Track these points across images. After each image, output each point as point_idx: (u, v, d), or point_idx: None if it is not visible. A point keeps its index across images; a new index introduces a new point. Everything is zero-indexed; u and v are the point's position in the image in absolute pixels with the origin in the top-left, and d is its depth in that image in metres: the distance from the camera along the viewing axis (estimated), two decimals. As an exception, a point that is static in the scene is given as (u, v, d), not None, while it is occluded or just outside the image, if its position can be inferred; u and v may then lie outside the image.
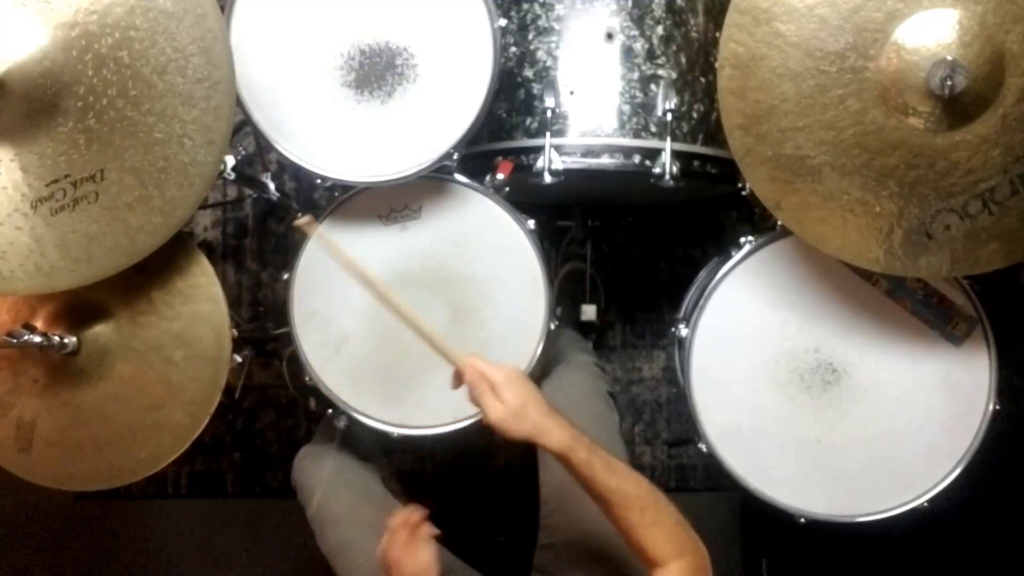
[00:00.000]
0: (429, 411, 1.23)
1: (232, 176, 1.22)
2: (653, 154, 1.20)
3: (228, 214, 1.96)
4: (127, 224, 1.04)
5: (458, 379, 0.98)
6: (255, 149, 1.64)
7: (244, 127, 1.51)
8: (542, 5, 1.23)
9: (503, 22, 1.15)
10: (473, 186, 1.22)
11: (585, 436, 0.93)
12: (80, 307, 1.15)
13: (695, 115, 1.24)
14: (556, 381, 1.37)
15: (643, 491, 0.92)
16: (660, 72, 1.22)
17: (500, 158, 1.25)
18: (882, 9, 0.98)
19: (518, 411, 0.91)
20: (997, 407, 1.17)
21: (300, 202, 1.84)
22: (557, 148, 1.20)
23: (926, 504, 1.18)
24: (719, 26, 1.05)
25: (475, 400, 0.94)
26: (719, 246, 1.34)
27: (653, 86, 1.21)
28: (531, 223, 1.22)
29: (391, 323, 1.22)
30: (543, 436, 0.90)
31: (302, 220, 1.07)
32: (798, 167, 1.04)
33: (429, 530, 1.01)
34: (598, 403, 1.37)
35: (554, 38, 1.23)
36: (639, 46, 1.21)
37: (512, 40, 1.24)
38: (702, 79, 1.24)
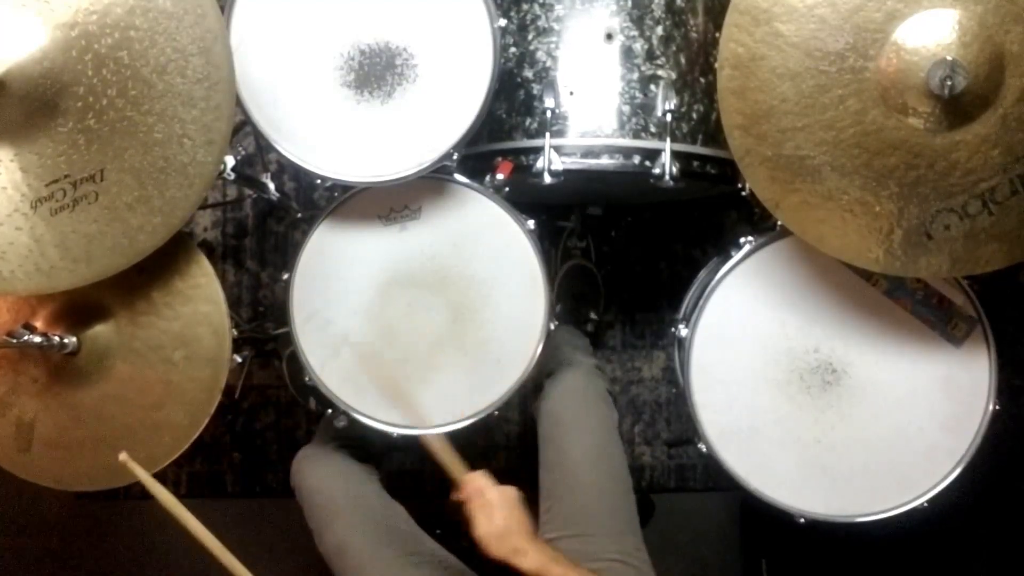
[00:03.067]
0: (429, 411, 1.23)
1: (232, 176, 1.22)
2: (653, 154, 1.20)
3: (228, 214, 1.96)
4: (127, 224, 1.04)
5: (457, 491, 1.06)
6: (255, 149, 1.64)
7: (244, 127, 1.51)
8: (542, 5, 1.23)
9: (503, 22, 1.15)
10: (473, 186, 1.22)
11: (564, 559, 1.01)
12: (80, 307, 1.15)
13: (695, 115, 1.24)
14: (556, 381, 1.37)
15: None
16: (660, 72, 1.22)
17: (500, 158, 1.25)
18: (882, 9, 0.98)
19: (502, 534, 0.99)
20: (997, 407, 1.17)
21: (300, 202, 1.85)
22: (557, 148, 1.20)
23: (926, 504, 1.18)
24: (719, 26, 1.05)
25: (469, 511, 1.02)
26: (719, 246, 1.34)
27: (653, 86, 1.21)
28: (531, 223, 1.22)
29: (391, 323, 1.22)
30: (519, 558, 0.98)
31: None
32: (798, 167, 1.04)
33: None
34: (597, 403, 1.37)
35: (554, 38, 1.23)
36: (639, 46, 1.21)
37: (512, 40, 1.24)
38: (702, 79, 1.24)
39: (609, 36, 1.22)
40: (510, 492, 1.03)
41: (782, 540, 1.72)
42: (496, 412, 1.21)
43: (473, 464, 1.09)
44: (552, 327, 1.22)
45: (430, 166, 1.15)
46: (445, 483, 1.11)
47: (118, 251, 1.04)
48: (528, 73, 1.24)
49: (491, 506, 1.00)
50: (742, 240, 1.21)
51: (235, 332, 1.17)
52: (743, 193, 1.19)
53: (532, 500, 1.27)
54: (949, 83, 0.93)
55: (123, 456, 1.03)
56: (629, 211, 1.89)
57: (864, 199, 1.04)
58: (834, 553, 1.58)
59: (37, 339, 1.09)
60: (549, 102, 1.20)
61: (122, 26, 0.99)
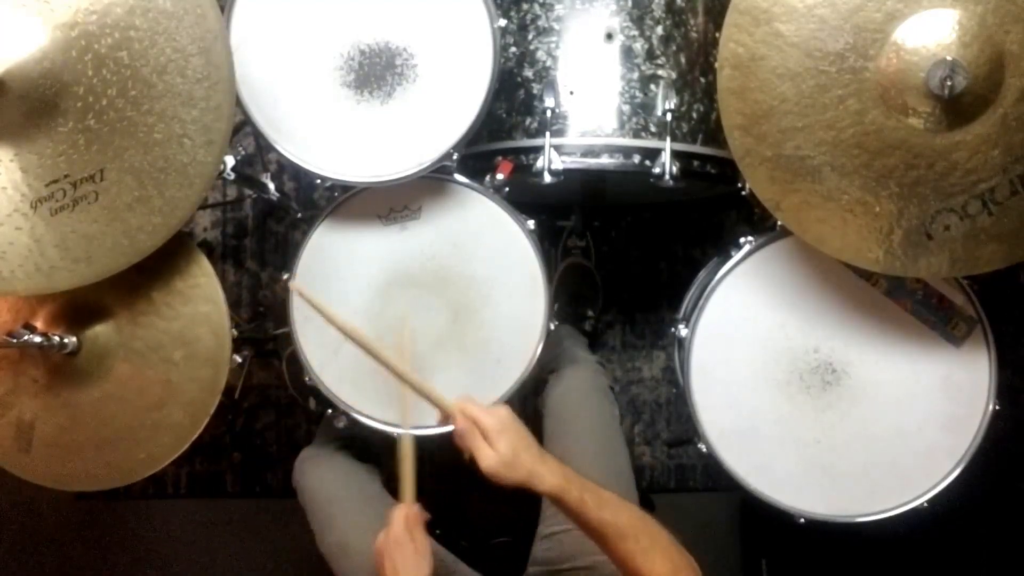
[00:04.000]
0: (429, 411, 1.22)
1: (232, 176, 1.22)
2: (653, 154, 1.20)
3: (228, 214, 1.96)
4: (127, 224, 1.04)
5: (445, 419, 0.99)
6: (255, 149, 1.64)
7: (244, 127, 1.51)
8: (542, 5, 1.23)
9: (503, 22, 1.15)
10: (473, 186, 1.22)
11: (575, 474, 0.95)
12: (80, 307, 1.15)
13: (695, 115, 1.24)
14: (558, 378, 1.37)
15: (635, 519, 0.94)
16: (660, 72, 1.22)
17: (500, 158, 1.25)
18: (882, 9, 0.98)
19: (511, 459, 0.91)
20: (997, 407, 1.17)
21: (300, 202, 1.85)
22: (557, 148, 1.20)
23: (926, 504, 1.18)
24: (719, 26, 1.05)
25: (466, 446, 0.94)
26: (719, 246, 1.34)
27: (653, 86, 1.21)
28: (531, 223, 1.22)
29: (391, 323, 1.22)
30: (536, 481, 0.92)
31: (293, 285, 1.08)
32: (798, 167, 1.04)
33: (423, 526, 1.01)
34: (600, 399, 1.37)
35: (554, 38, 1.23)
36: (639, 46, 1.21)
37: (512, 40, 1.24)
38: (702, 79, 1.24)
39: (609, 36, 1.22)
40: (503, 413, 0.96)
41: (782, 540, 1.72)
42: (496, 412, 1.21)
43: (473, 464, 1.09)
44: (552, 327, 1.22)
45: (430, 166, 1.15)
46: (446, 483, 1.11)
47: (118, 251, 1.04)
48: (528, 73, 1.24)
49: (490, 434, 0.93)
50: (742, 240, 1.21)
51: (235, 332, 1.17)
52: (743, 193, 1.19)
53: (532, 502, 1.28)
54: (949, 83, 0.93)
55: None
56: (629, 211, 1.89)
57: (864, 199, 1.04)
58: (834, 553, 1.58)
59: (37, 339, 1.09)
60: (549, 102, 1.20)
61: (122, 26, 0.99)
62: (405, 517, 0.98)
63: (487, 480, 0.93)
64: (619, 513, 0.93)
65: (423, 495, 1.08)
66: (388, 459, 1.07)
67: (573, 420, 1.32)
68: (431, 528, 1.25)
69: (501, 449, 0.91)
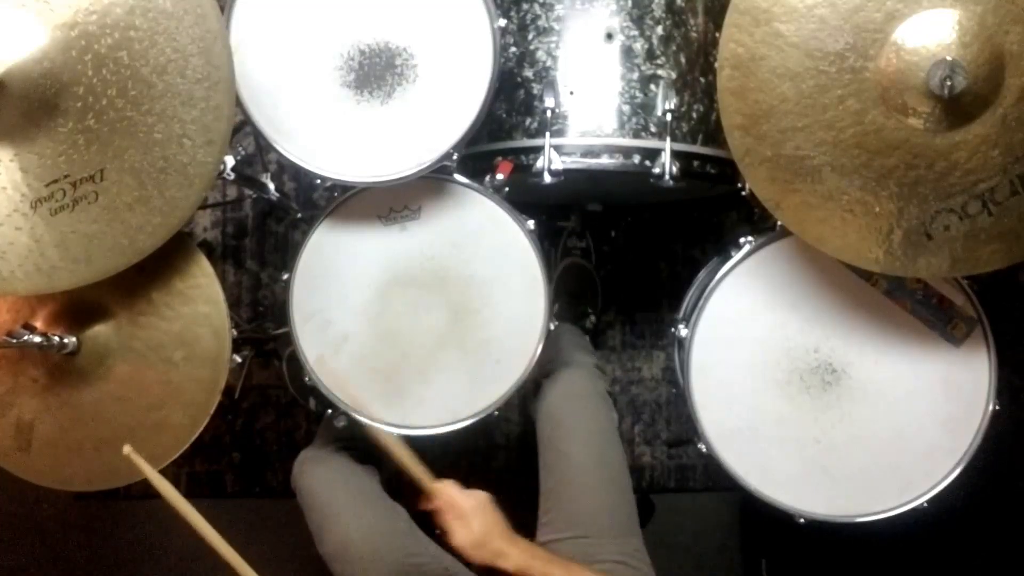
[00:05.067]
0: (429, 411, 1.23)
1: (232, 176, 1.22)
2: (653, 154, 1.20)
3: (228, 214, 1.96)
4: (127, 224, 1.04)
5: (427, 501, 1.07)
6: (255, 149, 1.64)
7: (244, 127, 1.51)
8: (542, 5, 1.23)
9: (503, 22, 1.15)
10: (473, 186, 1.22)
11: (543, 552, 1.04)
12: (80, 307, 1.15)
13: (695, 115, 1.24)
14: (555, 382, 1.37)
15: None
16: (660, 72, 1.22)
17: (500, 158, 1.25)
18: (882, 9, 0.98)
19: (480, 540, 1.01)
20: (997, 407, 1.17)
21: (300, 202, 1.85)
22: (557, 148, 1.20)
23: (926, 504, 1.18)
24: (719, 26, 1.05)
25: (444, 524, 1.04)
26: (719, 246, 1.34)
27: (653, 86, 1.21)
28: (531, 223, 1.22)
29: (391, 323, 1.22)
30: (501, 560, 1.00)
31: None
32: (798, 167, 1.04)
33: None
34: (597, 403, 1.37)
35: (554, 38, 1.23)
36: (639, 46, 1.21)
37: (512, 40, 1.24)
38: (702, 79, 1.24)
39: (609, 36, 1.22)
40: (481, 497, 1.05)
41: (782, 540, 1.72)
42: (496, 412, 1.21)
43: (473, 464, 1.10)
44: (552, 327, 1.22)
45: (430, 166, 1.15)
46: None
47: (118, 251, 1.04)
48: (528, 73, 1.24)
49: (465, 515, 1.02)
50: (742, 240, 1.21)
51: (235, 332, 1.17)
52: (743, 193, 1.19)
53: (533, 500, 1.28)
54: (949, 83, 0.93)
55: (127, 449, 1.03)
56: (629, 211, 1.89)
57: (864, 199, 1.04)
58: (834, 553, 1.58)
59: (37, 339, 1.09)
60: (549, 102, 1.19)
61: (122, 26, 0.99)
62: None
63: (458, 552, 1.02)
64: None
65: (424, 496, 1.09)
66: (388, 460, 1.07)
67: (568, 426, 1.32)
68: (431, 529, 1.25)
69: (474, 530, 1.01)
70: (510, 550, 1.01)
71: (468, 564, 1.23)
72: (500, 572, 1.00)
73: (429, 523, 1.05)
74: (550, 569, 1.00)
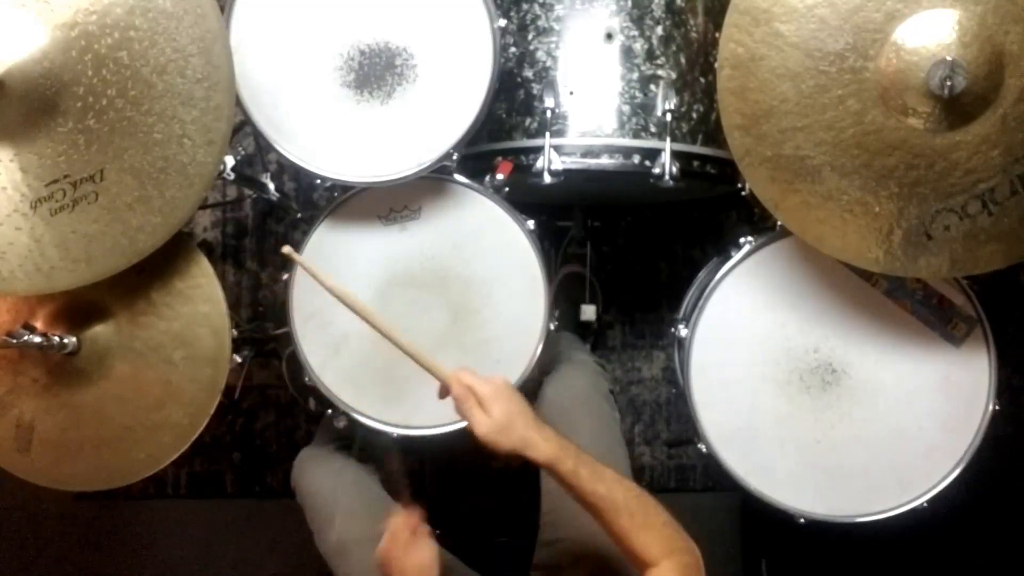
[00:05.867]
0: (429, 411, 1.22)
1: (232, 176, 1.22)
2: (653, 154, 1.20)
3: (228, 214, 1.96)
4: (127, 224, 1.04)
5: (444, 391, 0.98)
6: (255, 149, 1.64)
7: (244, 127, 1.51)
8: (542, 5, 1.23)
9: (503, 22, 1.15)
10: (473, 186, 1.22)
11: (572, 445, 0.94)
12: (80, 307, 1.15)
13: (695, 115, 1.24)
14: (557, 379, 1.37)
15: (631, 495, 0.92)
16: (660, 72, 1.22)
17: (500, 158, 1.25)
18: (882, 9, 0.98)
19: (505, 425, 0.92)
20: (997, 407, 1.17)
21: (300, 202, 1.85)
22: (557, 148, 1.20)
23: (926, 504, 1.18)
24: (719, 26, 1.05)
25: (462, 413, 0.94)
26: (719, 246, 1.34)
27: (653, 86, 1.21)
28: (531, 223, 1.22)
29: (391, 323, 1.22)
30: (529, 449, 0.91)
31: (285, 249, 1.04)
32: (798, 167, 1.04)
33: (427, 530, 1.01)
34: (599, 401, 1.37)
35: (554, 38, 1.23)
36: (639, 46, 1.21)
37: (512, 40, 1.24)
38: (702, 79, 1.24)
39: (609, 36, 1.22)
40: (500, 381, 0.96)
41: (782, 540, 1.72)
42: (496, 412, 1.21)
43: (473, 464, 1.09)
44: (552, 327, 1.22)
45: (430, 166, 1.15)
46: (446, 483, 1.11)
47: (118, 251, 1.04)
48: (528, 73, 1.24)
49: (485, 400, 0.93)
50: (742, 240, 1.21)
51: (235, 332, 1.17)
52: (743, 193, 1.19)
53: (533, 500, 1.28)
54: (949, 83, 0.93)
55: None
56: (629, 211, 1.89)
57: (864, 199, 1.04)
58: (834, 553, 1.58)
59: (37, 339, 1.09)
60: (549, 102, 1.19)
61: (122, 26, 0.99)
62: (404, 522, 0.99)
63: (483, 447, 0.92)
64: (615, 488, 0.92)
65: (424, 496, 1.08)
66: (387, 460, 1.07)
67: (568, 421, 1.32)
68: (431, 528, 1.25)
69: (496, 415, 0.92)
70: (538, 439, 0.92)
71: (479, 562, 1.23)
72: (528, 462, 0.92)
73: (429, 522, 1.05)
74: (579, 466, 0.91)
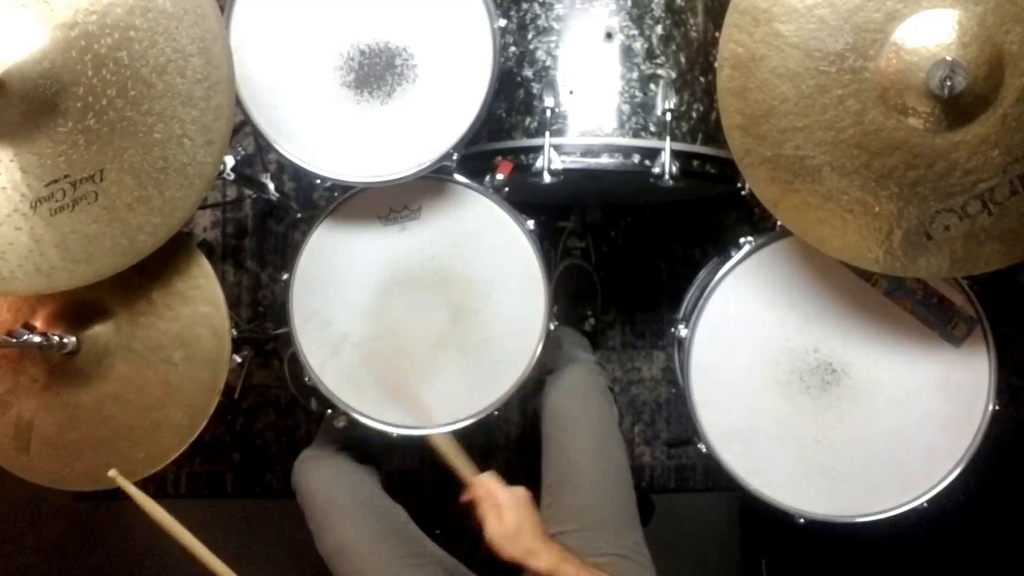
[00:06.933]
0: (435, 410, 1.23)
1: (231, 176, 1.22)
2: (652, 154, 1.20)
3: (228, 214, 1.96)
4: (126, 224, 1.04)
5: (467, 491, 1.06)
6: (255, 149, 1.64)
7: (244, 127, 1.51)
8: (542, 5, 1.23)
9: (503, 22, 1.15)
10: (473, 186, 1.22)
11: (574, 557, 1.01)
12: (80, 307, 1.15)
13: (694, 115, 1.24)
14: (558, 378, 1.37)
15: None
16: (659, 72, 1.22)
17: (500, 158, 1.25)
18: (881, 9, 0.98)
19: (513, 534, 0.99)
20: (997, 407, 1.17)
21: (300, 202, 1.85)
22: (556, 148, 1.20)
23: (926, 504, 1.17)
24: (719, 26, 1.05)
25: (480, 513, 1.02)
26: (719, 246, 1.34)
27: (652, 86, 1.21)
28: (531, 223, 1.22)
29: (391, 323, 1.22)
30: (531, 558, 0.98)
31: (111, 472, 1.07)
32: (798, 167, 1.04)
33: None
34: (598, 399, 1.37)
35: (553, 38, 1.23)
36: (638, 46, 1.21)
37: (512, 40, 1.24)
38: (701, 79, 1.24)
39: (609, 35, 1.22)
40: (520, 492, 1.03)
41: (782, 540, 1.72)
42: (496, 412, 1.21)
43: (473, 464, 1.09)
44: (552, 327, 1.22)
45: (430, 166, 1.15)
46: (446, 483, 1.11)
47: (118, 251, 1.04)
48: (528, 72, 1.24)
49: (502, 507, 1.01)
50: (742, 240, 1.21)
51: (235, 332, 1.17)
52: (743, 193, 1.19)
53: (534, 497, 1.28)
54: (949, 83, 0.93)
55: (112, 472, 1.04)
56: (629, 211, 1.89)
57: (864, 199, 1.04)
58: (834, 553, 1.58)
59: (37, 339, 1.09)
60: (549, 101, 1.19)
61: (122, 26, 0.99)
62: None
63: (489, 549, 1.00)
64: None
65: (424, 496, 1.09)
66: (387, 460, 1.07)
67: (570, 420, 1.32)
68: (431, 529, 1.25)
69: (507, 523, 0.99)
70: (541, 550, 0.99)
71: (478, 563, 1.24)
72: (528, 571, 0.99)
73: (429, 523, 1.05)
74: (579, 574, 0.98)
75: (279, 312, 1.28)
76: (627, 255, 1.92)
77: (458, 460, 1.09)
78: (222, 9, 1.08)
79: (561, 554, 1.00)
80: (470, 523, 1.04)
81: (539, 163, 1.19)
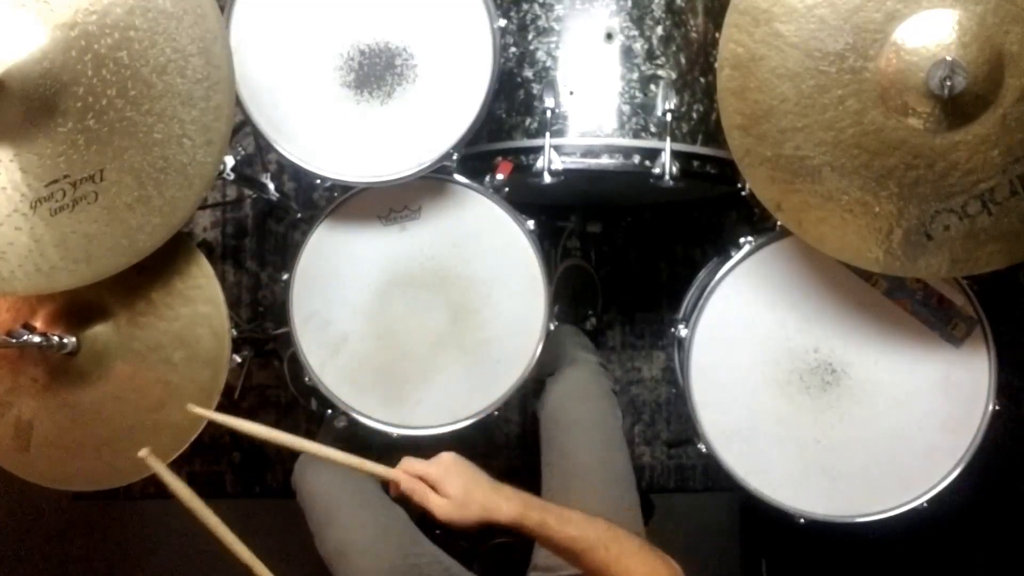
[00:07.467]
0: (429, 411, 1.23)
1: (231, 176, 1.22)
2: (653, 154, 1.20)
3: (228, 214, 1.96)
4: (126, 224, 1.04)
5: (395, 488, 0.95)
6: (255, 149, 1.64)
7: (244, 127, 1.51)
8: (542, 5, 1.23)
9: (503, 22, 1.15)
10: (473, 186, 1.22)
11: (534, 498, 0.94)
12: (80, 307, 1.15)
13: (695, 115, 1.24)
14: (560, 380, 1.37)
15: (602, 529, 0.93)
16: (660, 72, 1.22)
17: (500, 158, 1.25)
18: (881, 9, 0.98)
19: (463, 500, 0.91)
20: (997, 407, 1.17)
21: (299, 202, 1.85)
22: (557, 148, 1.20)
23: (925, 504, 1.18)
24: (719, 26, 1.05)
25: (419, 503, 0.92)
26: (719, 246, 1.34)
27: (653, 86, 1.21)
28: (531, 223, 1.22)
29: (391, 323, 1.22)
30: (493, 514, 0.91)
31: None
32: (798, 167, 1.04)
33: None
34: (602, 401, 1.37)
35: (554, 38, 1.23)
36: (639, 46, 1.21)
37: (512, 40, 1.24)
38: (702, 79, 1.24)
39: (609, 36, 1.22)
40: (447, 458, 0.95)
41: (782, 540, 1.72)
42: (496, 412, 1.21)
43: (432, 519, 1.02)
44: (552, 327, 1.22)
45: (430, 166, 1.15)
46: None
47: (118, 251, 1.04)
48: (528, 73, 1.24)
49: (437, 482, 0.92)
50: (742, 240, 1.21)
51: (235, 332, 1.17)
52: (743, 193, 1.19)
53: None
54: (949, 83, 0.93)
55: (143, 452, 0.97)
56: (629, 211, 1.89)
57: (864, 199, 1.04)
58: (834, 553, 1.58)
59: (37, 339, 1.09)
60: (549, 102, 1.19)
61: (122, 26, 0.99)
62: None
63: (449, 527, 0.91)
64: (585, 527, 0.93)
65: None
66: (387, 460, 1.07)
67: (571, 422, 1.32)
68: (431, 529, 1.25)
69: (452, 493, 0.91)
70: (499, 501, 0.91)
71: (478, 563, 1.23)
72: (496, 527, 0.91)
73: (429, 523, 1.04)
74: (545, 516, 0.92)
75: (279, 312, 1.28)
76: (627, 255, 1.92)
77: (367, 465, 0.97)
78: (222, 9, 1.08)
79: (521, 499, 0.93)
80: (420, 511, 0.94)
81: (539, 163, 1.19)
